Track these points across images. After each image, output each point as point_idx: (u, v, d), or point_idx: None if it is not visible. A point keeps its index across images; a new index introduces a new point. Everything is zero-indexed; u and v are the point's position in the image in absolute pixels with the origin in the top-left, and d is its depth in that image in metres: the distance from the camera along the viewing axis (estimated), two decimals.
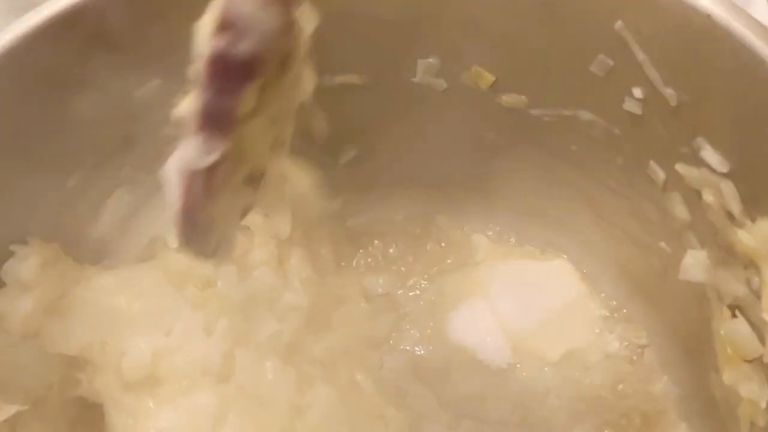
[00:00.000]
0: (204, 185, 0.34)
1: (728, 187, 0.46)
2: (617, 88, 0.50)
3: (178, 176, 0.34)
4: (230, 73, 0.32)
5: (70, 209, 0.51)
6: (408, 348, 0.65)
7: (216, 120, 0.32)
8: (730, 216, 0.46)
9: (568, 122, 0.56)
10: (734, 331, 0.47)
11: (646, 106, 0.50)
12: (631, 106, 0.50)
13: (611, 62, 0.49)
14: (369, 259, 0.69)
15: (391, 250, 0.69)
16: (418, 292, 0.67)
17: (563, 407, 0.60)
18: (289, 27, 0.33)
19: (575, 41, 0.50)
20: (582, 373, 0.62)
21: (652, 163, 0.52)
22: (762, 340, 0.46)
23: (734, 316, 0.48)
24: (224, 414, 0.53)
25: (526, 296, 0.66)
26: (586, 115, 0.54)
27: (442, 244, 0.69)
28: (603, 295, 0.66)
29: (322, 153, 0.65)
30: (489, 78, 0.56)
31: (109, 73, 0.49)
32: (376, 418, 0.59)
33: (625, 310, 0.65)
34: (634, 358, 0.62)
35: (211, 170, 0.33)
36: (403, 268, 0.68)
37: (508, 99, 0.57)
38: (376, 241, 0.70)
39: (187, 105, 0.33)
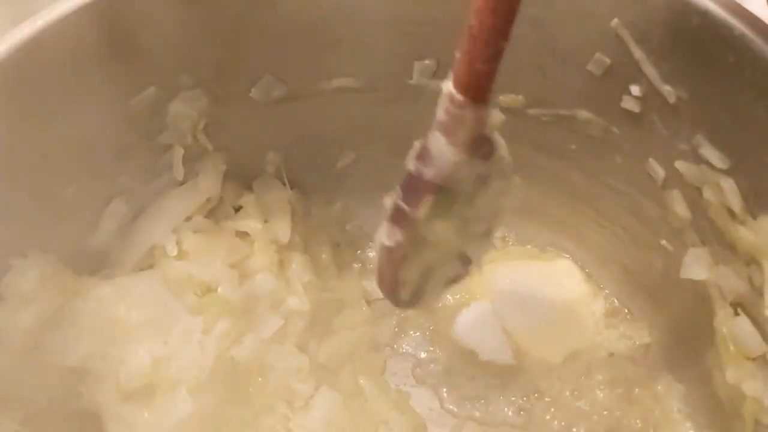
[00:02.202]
0: (386, 258, 0.45)
1: (728, 184, 0.45)
2: (615, 86, 0.50)
3: (376, 246, 0.46)
4: (415, 189, 0.41)
5: (67, 220, 0.51)
6: (410, 351, 0.65)
7: (398, 218, 0.43)
8: (731, 213, 0.46)
9: (565, 121, 0.55)
10: (737, 329, 0.47)
11: (644, 104, 0.49)
12: (629, 104, 0.50)
13: (608, 60, 0.49)
14: (369, 263, 0.69)
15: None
16: None
17: (567, 407, 0.60)
18: (484, 156, 0.41)
19: (572, 40, 0.49)
20: (585, 372, 0.61)
21: (651, 161, 0.52)
22: (765, 338, 0.46)
23: (737, 314, 0.48)
24: (224, 420, 0.53)
25: (528, 297, 0.65)
26: (583, 114, 0.54)
27: None
28: (606, 293, 0.66)
29: (320, 157, 0.65)
30: None
31: (104, 82, 0.49)
32: (380, 423, 0.59)
33: (627, 309, 0.65)
34: (638, 357, 0.62)
35: (392, 250, 0.44)
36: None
37: (505, 99, 0.56)
38: None
39: (390, 198, 0.44)
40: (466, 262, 0.48)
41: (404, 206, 0.42)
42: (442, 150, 0.39)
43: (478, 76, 0.36)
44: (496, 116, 0.40)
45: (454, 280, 0.49)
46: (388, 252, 0.45)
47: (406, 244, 0.44)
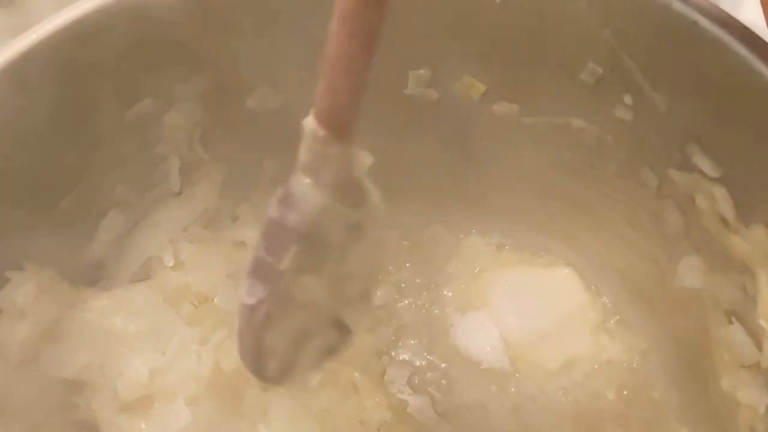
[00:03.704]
0: (247, 319, 0.39)
1: (721, 193, 0.46)
2: (607, 95, 0.50)
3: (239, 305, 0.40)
4: (278, 237, 0.37)
5: (64, 232, 0.51)
6: (408, 359, 0.65)
7: (260, 271, 0.38)
8: (724, 221, 0.46)
9: (560, 130, 0.55)
10: (731, 337, 0.47)
11: (636, 113, 0.50)
12: (621, 112, 0.50)
13: (600, 70, 0.49)
14: None
15: (388, 262, 0.69)
16: (417, 303, 0.67)
17: (564, 415, 0.60)
18: (354, 204, 0.37)
19: (564, 50, 0.50)
20: (582, 380, 0.61)
21: (645, 169, 0.52)
22: (759, 346, 0.46)
23: (730, 322, 0.48)
24: (222, 430, 0.53)
25: (526, 304, 0.65)
26: (577, 122, 0.54)
27: (440, 254, 0.69)
28: (604, 299, 0.65)
29: None
30: (480, 87, 0.56)
31: (100, 94, 0.49)
32: (377, 430, 0.59)
33: (624, 316, 0.64)
34: (635, 364, 0.62)
35: (253, 308, 0.38)
36: (401, 279, 0.68)
37: (499, 108, 0.57)
38: None
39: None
40: (343, 330, 0.43)
41: (266, 257, 0.37)
42: (306, 192, 0.35)
43: (341, 110, 0.33)
44: (364, 158, 0.36)
45: (330, 351, 0.43)
46: (249, 312, 0.39)
47: (270, 303, 0.39)
